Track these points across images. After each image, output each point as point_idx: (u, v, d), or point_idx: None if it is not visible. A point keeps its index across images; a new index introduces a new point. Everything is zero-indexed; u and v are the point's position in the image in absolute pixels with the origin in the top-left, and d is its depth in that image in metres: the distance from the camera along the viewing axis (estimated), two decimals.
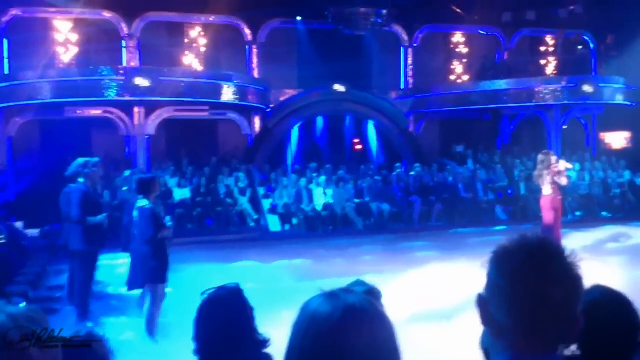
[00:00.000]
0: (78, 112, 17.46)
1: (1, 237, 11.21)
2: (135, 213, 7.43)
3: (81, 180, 8.33)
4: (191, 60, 20.10)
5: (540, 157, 11.69)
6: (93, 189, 8.59)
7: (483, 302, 1.53)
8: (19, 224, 14.55)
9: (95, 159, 8.91)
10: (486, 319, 1.52)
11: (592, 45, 24.00)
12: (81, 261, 8.47)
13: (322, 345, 1.33)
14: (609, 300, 2.19)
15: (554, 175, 11.36)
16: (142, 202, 7.22)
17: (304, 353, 1.36)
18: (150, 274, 7.25)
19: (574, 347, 2.00)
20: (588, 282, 1.96)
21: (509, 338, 1.48)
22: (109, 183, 15.48)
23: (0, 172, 17.37)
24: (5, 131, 17.65)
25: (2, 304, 1.26)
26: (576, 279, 1.49)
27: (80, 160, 8.56)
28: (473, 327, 1.68)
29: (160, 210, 7.60)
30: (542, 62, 23.48)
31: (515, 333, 1.47)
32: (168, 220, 7.53)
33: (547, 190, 11.38)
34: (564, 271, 1.48)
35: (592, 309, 1.99)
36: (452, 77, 23.10)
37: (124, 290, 9.00)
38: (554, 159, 11.62)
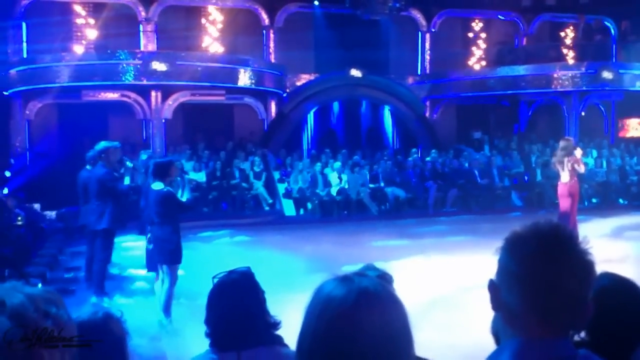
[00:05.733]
0: (95, 95, 17.55)
1: (19, 218, 11.36)
2: (151, 196, 7.48)
3: (101, 163, 8.66)
4: (208, 45, 20.09)
5: (562, 143, 11.60)
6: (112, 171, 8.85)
7: (494, 288, 1.53)
8: (36, 206, 14.72)
9: (116, 143, 9.11)
10: (497, 304, 1.53)
11: (612, 31, 23.67)
12: (103, 240, 8.69)
13: (336, 328, 1.33)
14: (617, 288, 2.18)
15: (574, 162, 11.31)
16: (158, 185, 7.27)
17: (317, 336, 1.36)
18: (168, 255, 7.31)
19: (582, 333, 2.00)
20: (602, 269, 1.96)
21: (520, 323, 1.49)
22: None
23: (18, 154, 17.54)
24: (23, 114, 17.76)
25: (20, 285, 1.28)
26: (588, 266, 1.48)
27: (102, 144, 8.81)
28: (484, 312, 1.69)
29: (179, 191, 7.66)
30: (562, 48, 23.19)
31: (526, 318, 1.48)
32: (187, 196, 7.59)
33: (564, 177, 11.31)
34: (575, 258, 1.47)
35: (601, 296, 1.98)
36: (470, 63, 22.89)
37: (142, 272, 9.13)
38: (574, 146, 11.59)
